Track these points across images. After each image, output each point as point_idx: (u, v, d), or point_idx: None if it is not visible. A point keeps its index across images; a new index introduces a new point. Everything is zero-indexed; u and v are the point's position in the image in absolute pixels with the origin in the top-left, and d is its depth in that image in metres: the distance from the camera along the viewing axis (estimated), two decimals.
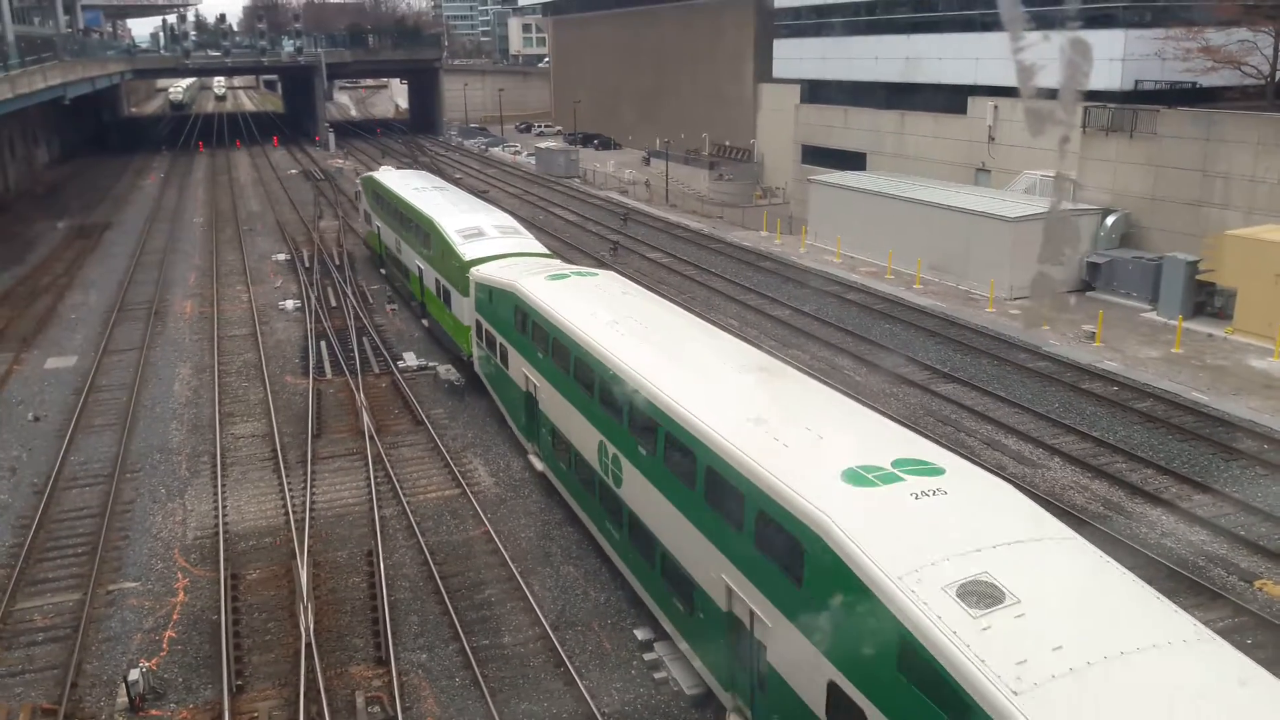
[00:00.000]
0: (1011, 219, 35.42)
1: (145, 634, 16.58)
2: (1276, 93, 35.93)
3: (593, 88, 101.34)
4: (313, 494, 21.43)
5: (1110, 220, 36.90)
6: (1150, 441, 23.34)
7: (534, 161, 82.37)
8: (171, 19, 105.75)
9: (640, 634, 16.06)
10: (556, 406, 19.68)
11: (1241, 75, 36.20)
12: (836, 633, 10.44)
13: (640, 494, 15.48)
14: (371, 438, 23.98)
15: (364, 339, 32.27)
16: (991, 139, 43.65)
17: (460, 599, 17.34)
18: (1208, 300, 32.18)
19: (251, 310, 36.53)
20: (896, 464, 11.69)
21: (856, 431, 13.51)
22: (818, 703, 10.59)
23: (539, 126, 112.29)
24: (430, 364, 29.68)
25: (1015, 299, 35.49)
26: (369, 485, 21.73)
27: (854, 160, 52.54)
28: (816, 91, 58.67)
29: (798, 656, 11.04)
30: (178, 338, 33.61)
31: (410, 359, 30.33)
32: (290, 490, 21.52)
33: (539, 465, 21.79)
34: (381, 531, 19.70)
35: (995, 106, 43.16)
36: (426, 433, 24.77)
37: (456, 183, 55.49)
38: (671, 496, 14.31)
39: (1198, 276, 32.15)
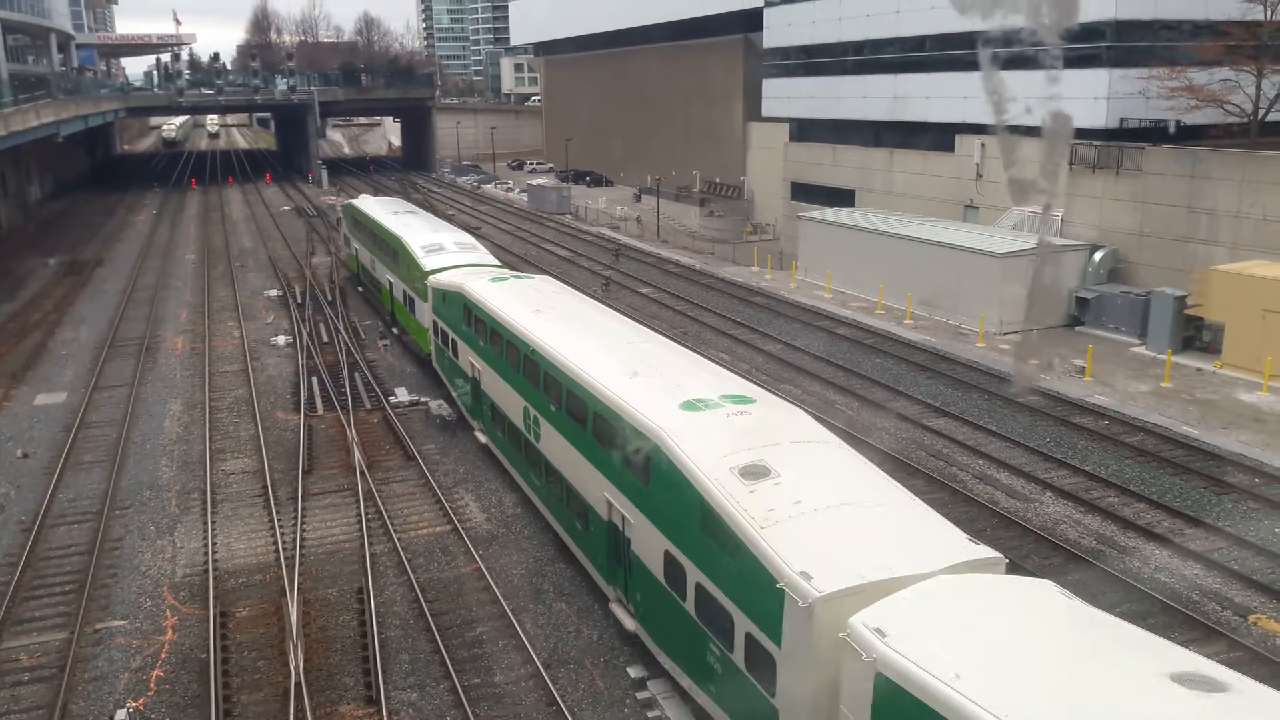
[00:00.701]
0: (1000, 255, 35.70)
1: (133, 673, 16.39)
2: (1259, 130, 36.42)
3: (584, 125, 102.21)
4: (303, 531, 21.30)
5: (1098, 256, 37.21)
6: (1142, 476, 23.38)
7: (526, 198, 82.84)
8: (165, 58, 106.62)
9: (634, 672, 15.94)
10: (494, 384, 23.59)
11: (1225, 113, 36.70)
12: (668, 513, 14.44)
13: (552, 443, 19.48)
14: (362, 474, 23.89)
15: (356, 374, 32.23)
16: (979, 176, 44.05)
17: (451, 637, 17.20)
18: (1196, 335, 32.39)
19: (243, 346, 36.49)
20: (722, 397, 16.14)
21: (703, 379, 17.84)
22: (659, 570, 14.61)
23: (531, 164, 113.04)
24: (422, 399, 29.63)
25: (1005, 334, 35.67)
26: (360, 522, 21.61)
27: (843, 197, 52.97)
28: (805, 130, 59.26)
29: (648, 540, 14.97)
30: (169, 374, 33.52)
31: (402, 394, 30.28)
32: (280, 527, 21.39)
33: (482, 439, 25.30)
34: (372, 568, 19.57)
35: (983, 144, 43.61)
36: (418, 468, 24.68)
37: (449, 218, 55.83)
38: (571, 439, 18.33)
39: (1186, 311, 32.39)
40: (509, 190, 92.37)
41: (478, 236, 43.19)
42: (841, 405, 28.82)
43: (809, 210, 50.52)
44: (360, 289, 44.80)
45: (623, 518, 15.89)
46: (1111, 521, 21.06)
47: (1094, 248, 37.44)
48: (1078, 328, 36.29)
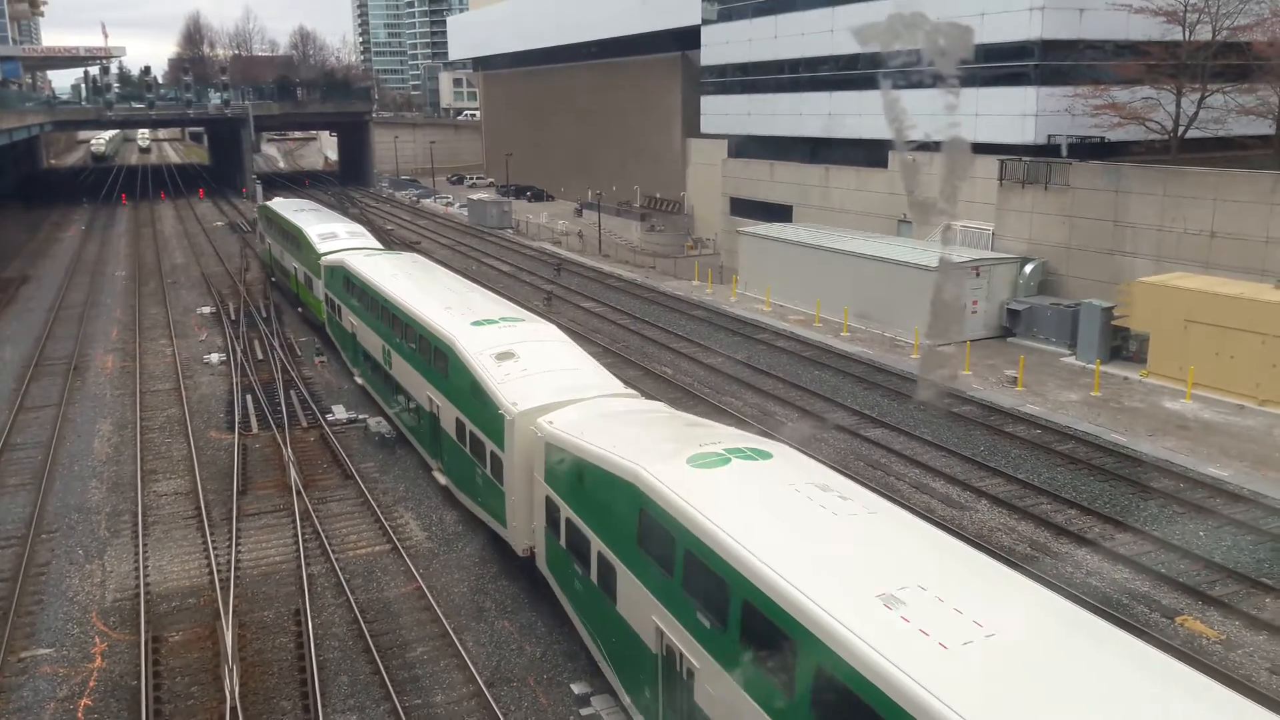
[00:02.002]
0: (933, 268, 36.37)
1: (59, 703, 15.90)
2: (1180, 147, 37.67)
3: (525, 140, 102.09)
4: (238, 552, 20.89)
5: (1028, 269, 38.13)
6: (1073, 483, 23.95)
7: (466, 213, 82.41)
8: (94, 70, 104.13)
9: (577, 688, 15.88)
10: (364, 333, 30.44)
11: (1146, 130, 37.91)
12: (457, 392, 21.23)
13: (399, 367, 26.39)
14: (299, 493, 23.50)
15: (291, 392, 31.73)
16: (913, 191, 44.89)
17: (391, 657, 16.98)
18: (1123, 345, 33.33)
19: (175, 364, 35.73)
20: (501, 318, 23.42)
21: (493, 309, 24.99)
22: (454, 433, 21.72)
23: (471, 178, 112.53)
24: (360, 416, 29.27)
25: (939, 345, 36.31)
26: (296, 542, 21.25)
27: (781, 212, 53.61)
28: (743, 146, 59.91)
29: (448, 414, 22.10)
30: (98, 393, 32.69)
31: (339, 412, 29.88)
32: (215, 549, 20.95)
33: (359, 381, 31.94)
34: (309, 590, 19.26)
35: (914, 160, 44.43)
36: (356, 487, 24.36)
37: (388, 234, 55.61)
38: (409, 360, 25.26)
39: (1113, 322, 33.32)
40: (449, 205, 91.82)
41: (417, 251, 43.48)
42: (781, 417, 29.10)
43: (748, 225, 51.03)
44: (273, 280, 50.19)
45: (436, 405, 23.00)
46: (1044, 528, 21.54)
47: (1024, 261, 38.35)
48: (1009, 339, 37.12)
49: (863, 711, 9.16)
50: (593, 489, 15.16)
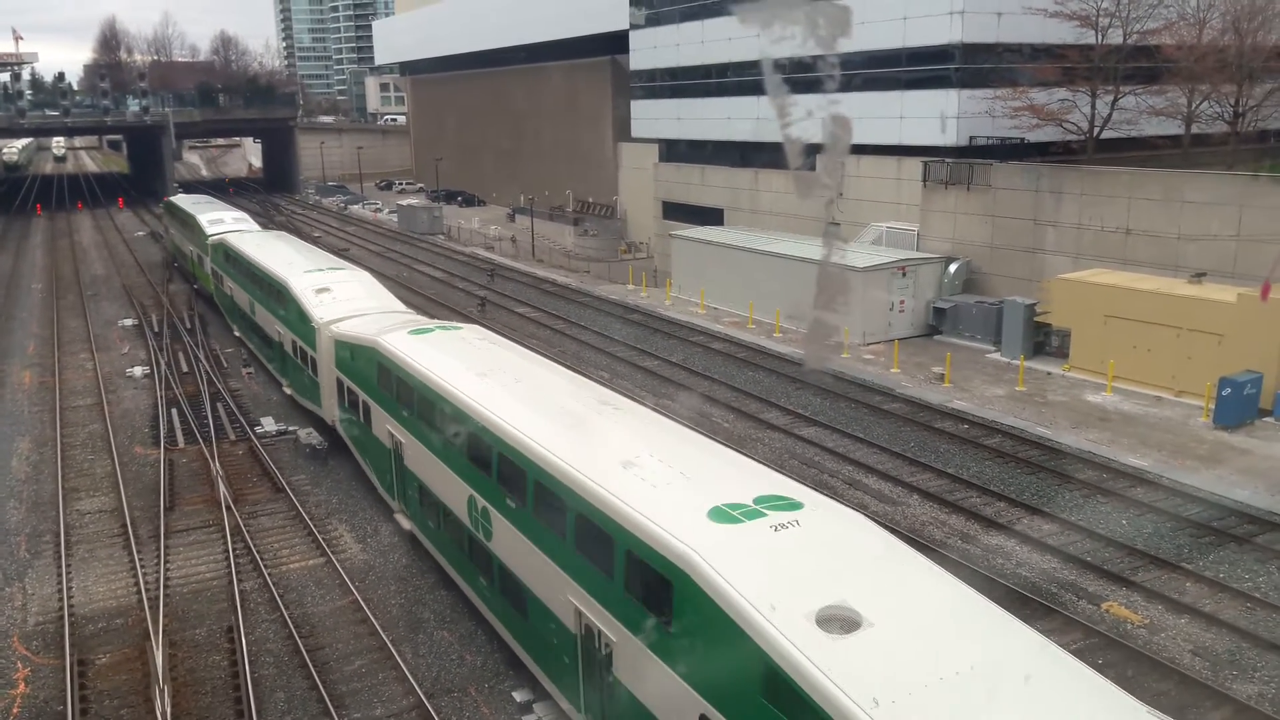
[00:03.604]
0: (860, 269, 36.98)
1: None
2: (1096, 147, 38.84)
3: (454, 145, 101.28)
4: (167, 570, 20.39)
5: (953, 268, 38.97)
6: (1001, 476, 24.54)
7: (396, 219, 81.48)
8: (4, 77, 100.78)
9: (519, 696, 15.81)
10: (238, 294, 37.46)
11: (1064, 131, 39.01)
12: (292, 323, 28.92)
13: (262, 315, 32.96)
14: (229, 508, 23.02)
15: (219, 405, 31.06)
16: (840, 194, 45.54)
17: (329, 672, 16.73)
18: (1046, 340, 34.24)
19: (97, 379, 34.74)
20: (327, 268, 31.54)
21: (323, 263, 33.40)
22: (295, 352, 28.49)
23: (400, 184, 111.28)
24: (290, 428, 28.77)
25: (868, 344, 36.94)
26: (227, 558, 20.81)
27: (713, 216, 54.00)
28: (674, 150, 60.19)
29: (289, 343, 29.53)
30: (15, 410, 31.63)
31: (269, 424, 29.34)
32: (143, 567, 20.42)
33: (237, 334, 38.95)
34: (242, 606, 18.88)
35: (842, 164, 45.11)
36: (288, 500, 23.94)
37: (315, 241, 55.10)
38: (266, 307, 32.43)
39: (1035, 318, 34.21)
40: (378, 211, 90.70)
41: (346, 258, 43.22)
42: (718, 418, 29.31)
43: (681, 229, 51.31)
44: (176, 265, 56.69)
45: (280, 333, 30.66)
46: (974, 520, 22.03)
47: (949, 260, 39.18)
48: (936, 336, 37.89)
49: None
50: (355, 360, 23.62)
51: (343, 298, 27.64)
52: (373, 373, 22.16)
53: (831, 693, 8.88)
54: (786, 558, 11.18)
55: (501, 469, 15.57)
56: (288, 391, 31.06)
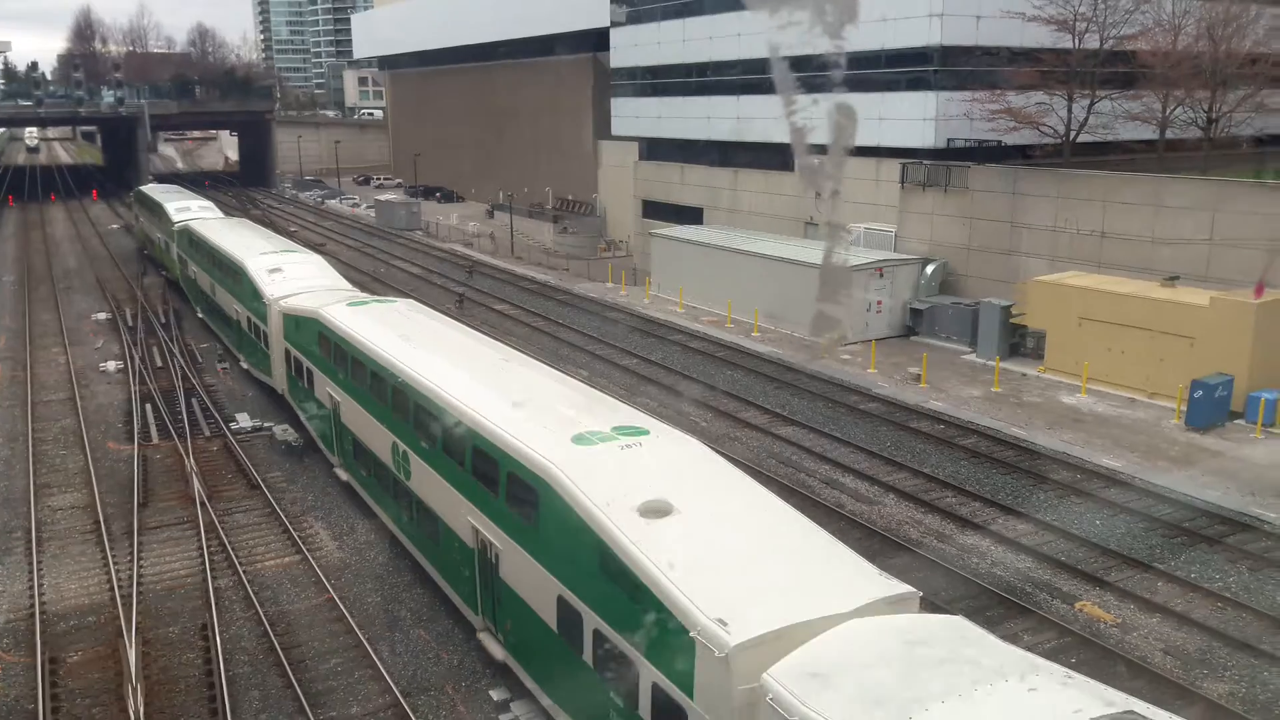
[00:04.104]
0: (842, 269, 37.10)
1: None
2: (1072, 150, 39.18)
3: (433, 140, 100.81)
4: (140, 567, 20.20)
5: (930, 269, 39.20)
6: (976, 476, 24.73)
7: (374, 214, 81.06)
8: None
9: (496, 694, 15.78)
10: (201, 277, 40.14)
11: (1041, 134, 39.32)
12: (247, 300, 31.26)
13: (222, 296, 35.75)
14: (203, 504, 22.83)
15: (193, 400, 30.81)
16: (819, 194, 45.69)
17: (304, 670, 16.63)
18: (1021, 342, 34.52)
19: (69, 373, 34.36)
20: (281, 250, 34.45)
21: (277, 246, 35.67)
22: (250, 328, 31.63)
23: (378, 179, 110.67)
24: (265, 425, 28.58)
25: (846, 344, 37.12)
26: (202, 555, 20.64)
27: (692, 215, 54.06)
28: (654, 149, 60.20)
29: (245, 319, 32.23)
30: None
31: (244, 420, 29.13)
32: (115, 564, 20.22)
33: (200, 316, 41.24)
34: (217, 604, 18.73)
35: (821, 164, 45.23)
36: (263, 497, 23.77)
37: (291, 235, 54.85)
38: (226, 288, 34.83)
39: (1011, 320, 34.48)
40: (355, 206, 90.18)
41: (322, 253, 42.87)
42: (695, 417, 29.36)
43: (660, 227, 51.34)
44: (145, 252, 58.31)
45: (238, 312, 33.17)
46: (950, 520, 22.18)
47: (926, 261, 39.42)
48: (912, 337, 38.12)
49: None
50: (300, 331, 26.16)
51: (293, 276, 30.18)
52: (314, 341, 24.91)
53: (642, 562, 11.46)
54: (626, 469, 13.77)
55: (417, 416, 18.39)
56: (244, 366, 33.39)
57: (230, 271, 33.80)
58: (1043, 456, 25.73)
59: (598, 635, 12.31)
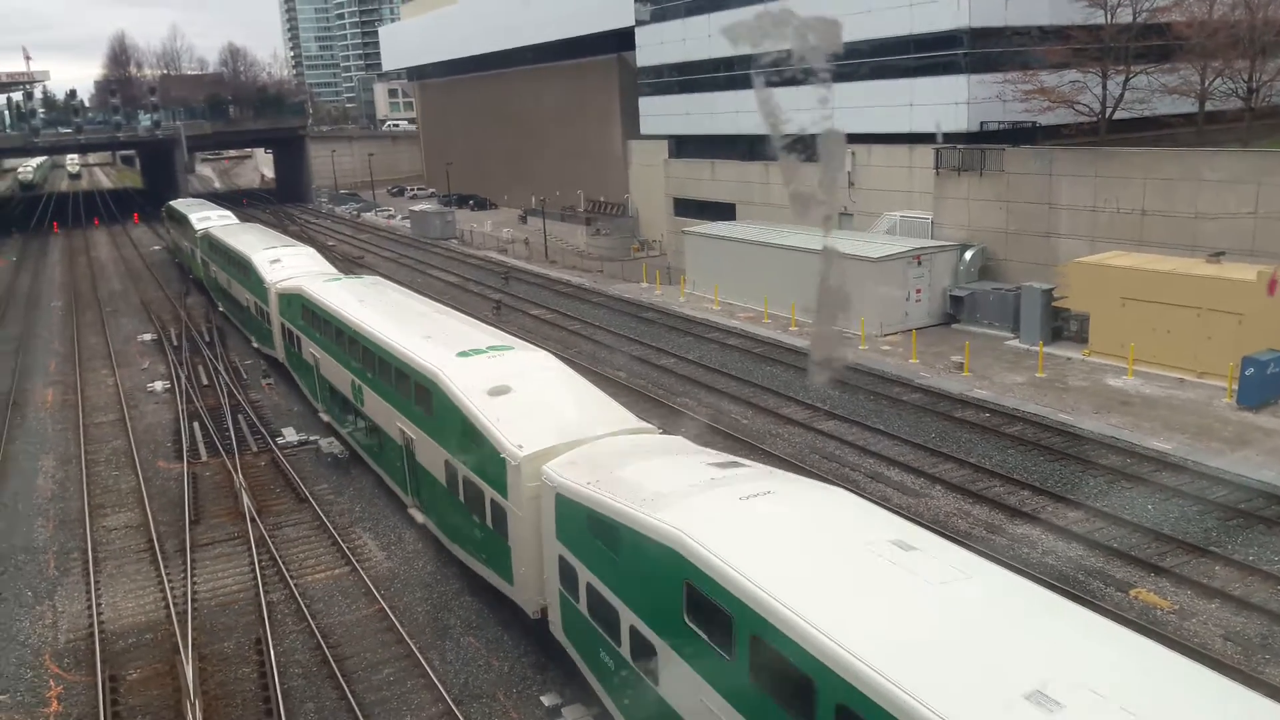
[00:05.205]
0: (875, 259, 36.82)
1: None
2: (1108, 128, 38.52)
3: (464, 149, 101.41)
4: (194, 584, 20.53)
5: (968, 255, 38.74)
6: (1024, 464, 24.39)
7: (409, 225, 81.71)
8: (17, 96, 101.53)
9: (547, 700, 15.84)
10: (221, 276, 45.44)
11: (1076, 113, 38.70)
12: (250, 287, 37.88)
13: (236, 289, 41.22)
14: (253, 520, 23.14)
15: (239, 417, 31.25)
16: (852, 184, 45.37)
17: (358, 681, 16.80)
18: (1064, 325, 34.00)
19: (118, 394, 35.01)
20: (281, 245, 41.21)
21: (279, 242, 42.30)
22: (258, 311, 37.17)
23: (412, 189, 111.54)
24: (311, 438, 28.91)
25: (885, 335, 36.79)
26: (253, 570, 20.93)
27: (724, 211, 53.86)
28: (683, 146, 60.09)
29: (250, 303, 38.57)
30: (39, 428, 31.91)
31: (290, 434, 29.49)
32: (170, 581, 20.57)
33: (221, 309, 47.04)
34: (270, 618, 18.98)
35: (853, 153, 44.95)
36: (311, 510, 24.06)
37: (329, 249, 55.71)
38: (238, 280, 40.41)
39: (1053, 303, 33.97)
40: (391, 217, 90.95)
41: (359, 266, 44.30)
42: (736, 414, 29.25)
43: (692, 225, 51.22)
44: (176, 260, 65.14)
45: (247, 300, 38.87)
46: (999, 510, 21.91)
47: (964, 247, 38.96)
48: (954, 325, 37.69)
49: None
50: (290, 305, 32.02)
51: (289, 265, 36.46)
52: (299, 313, 30.74)
53: (482, 420, 17.05)
54: (488, 370, 19.11)
55: (365, 356, 24.03)
56: (254, 345, 38.96)
57: (240, 266, 39.70)
58: (1091, 441, 25.33)
59: (465, 481, 17.89)
